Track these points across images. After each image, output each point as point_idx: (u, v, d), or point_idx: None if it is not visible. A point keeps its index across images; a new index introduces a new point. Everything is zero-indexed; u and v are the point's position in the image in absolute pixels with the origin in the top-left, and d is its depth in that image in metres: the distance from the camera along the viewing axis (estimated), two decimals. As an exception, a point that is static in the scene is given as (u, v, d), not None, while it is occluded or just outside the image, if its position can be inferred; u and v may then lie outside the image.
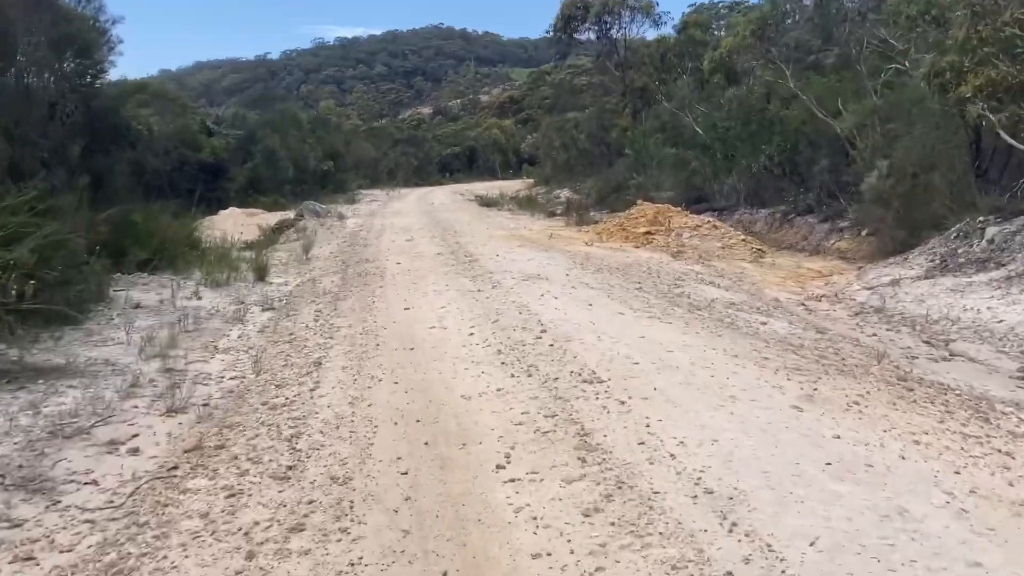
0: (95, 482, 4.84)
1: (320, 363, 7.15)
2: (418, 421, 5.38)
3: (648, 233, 15.77)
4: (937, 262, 12.06)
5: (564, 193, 28.19)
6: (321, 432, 5.30)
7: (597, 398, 5.49)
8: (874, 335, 8.75)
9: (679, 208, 16.91)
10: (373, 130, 62.85)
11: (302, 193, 32.99)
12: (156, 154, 28.97)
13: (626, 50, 29.68)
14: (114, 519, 4.24)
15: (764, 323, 8.51)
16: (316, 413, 5.70)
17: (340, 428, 5.34)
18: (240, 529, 3.97)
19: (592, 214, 20.56)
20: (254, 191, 31.12)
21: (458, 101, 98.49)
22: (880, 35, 17.52)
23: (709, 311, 8.96)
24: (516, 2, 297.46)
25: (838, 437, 4.56)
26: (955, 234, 12.48)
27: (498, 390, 5.90)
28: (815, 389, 5.55)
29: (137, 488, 4.63)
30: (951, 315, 9.51)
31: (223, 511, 4.19)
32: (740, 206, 20.79)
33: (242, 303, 10.64)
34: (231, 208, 28.07)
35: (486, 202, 28.51)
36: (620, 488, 4.04)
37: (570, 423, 5.05)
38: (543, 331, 7.58)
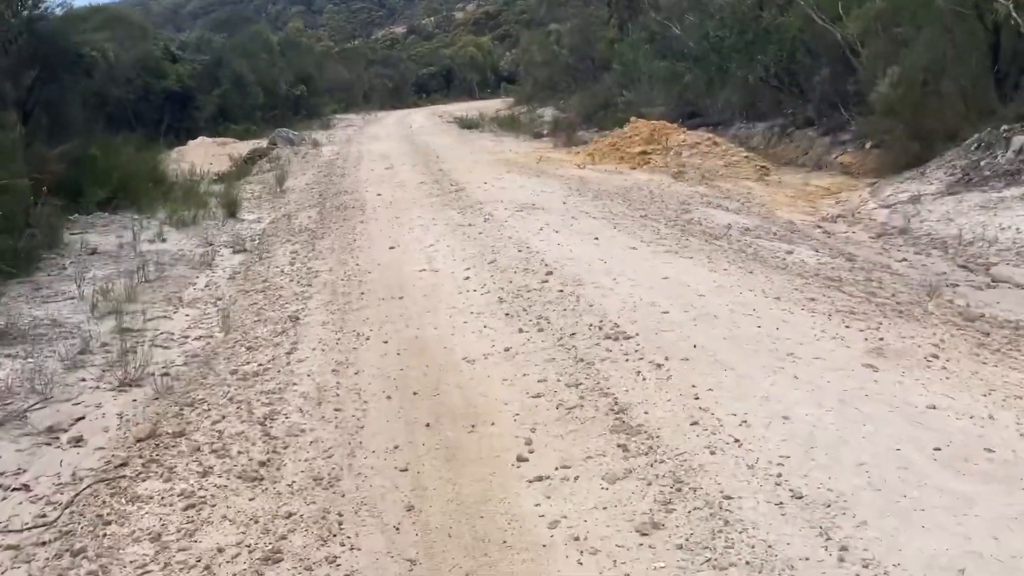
0: (26, 487, 3.95)
1: (297, 318, 6.22)
2: (415, 394, 4.50)
3: (644, 153, 14.76)
4: (959, 176, 11.14)
5: (548, 112, 26.90)
6: (300, 411, 4.42)
7: (627, 359, 4.60)
8: (904, 260, 7.91)
9: (675, 125, 15.84)
10: (346, 51, 60.47)
11: (274, 120, 31.46)
12: (118, 83, 27.45)
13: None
14: (43, 543, 3.36)
15: (789, 252, 7.62)
16: (294, 384, 4.81)
17: (323, 405, 4.46)
18: (200, 560, 3.10)
19: (580, 134, 19.42)
20: (224, 119, 29.64)
21: (432, 19, 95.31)
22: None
23: (728, 240, 8.06)
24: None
25: (933, 407, 3.69)
26: (975, 145, 11.53)
27: (506, 350, 5.01)
28: (881, 339, 4.69)
29: (76, 495, 3.74)
30: (987, 235, 8.65)
31: (179, 531, 3.32)
32: (736, 120, 19.70)
33: (211, 245, 9.66)
34: (201, 138, 26.72)
35: (467, 124, 27.22)
36: (679, 491, 3.17)
37: (600, 394, 4.17)
38: (549, 273, 6.66)
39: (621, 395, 4.12)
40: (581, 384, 4.32)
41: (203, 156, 24.67)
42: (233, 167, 19.47)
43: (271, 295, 7.02)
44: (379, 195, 12.49)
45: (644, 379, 4.29)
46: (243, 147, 25.72)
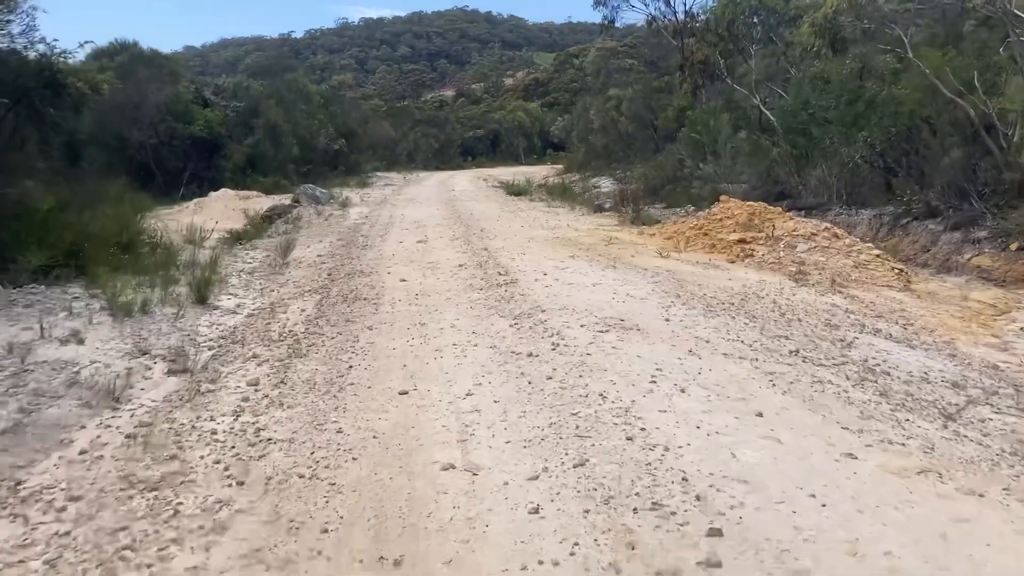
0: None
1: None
2: None
3: (743, 242, 11.35)
4: None
5: (605, 183, 23.71)
6: None
7: None
8: None
9: (778, 209, 12.47)
10: (393, 109, 58.30)
11: (308, 175, 28.68)
12: (141, 127, 24.78)
13: (687, 14, 24.84)
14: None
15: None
16: None
17: None
18: None
19: (649, 210, 16.11)
20: (253, 171, 26.81)
21: (481, 84, 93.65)
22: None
23: (973, 428, 4.55)
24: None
25: None
26: None
27: None
28: None
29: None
30: None
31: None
32: (833, 204, 16.27)
33: (144, 354, 6.35)
34: (223, 190, 23.81)
35: (514, 191, 24.10)
36: None
37: None
38: (713, 530, 3.13)
39: None
40: None
41: (221, 210, 21.76)
42: (247, 226, 16.41)
43: (156, 512, 3.61)
44: (403, 281, 9.19)
45: None
46: (267, 202, 22.81)
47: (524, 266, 9.77)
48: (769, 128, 20.78)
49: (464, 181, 32.99)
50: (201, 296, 8.41)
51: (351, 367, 5.74)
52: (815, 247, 10.93)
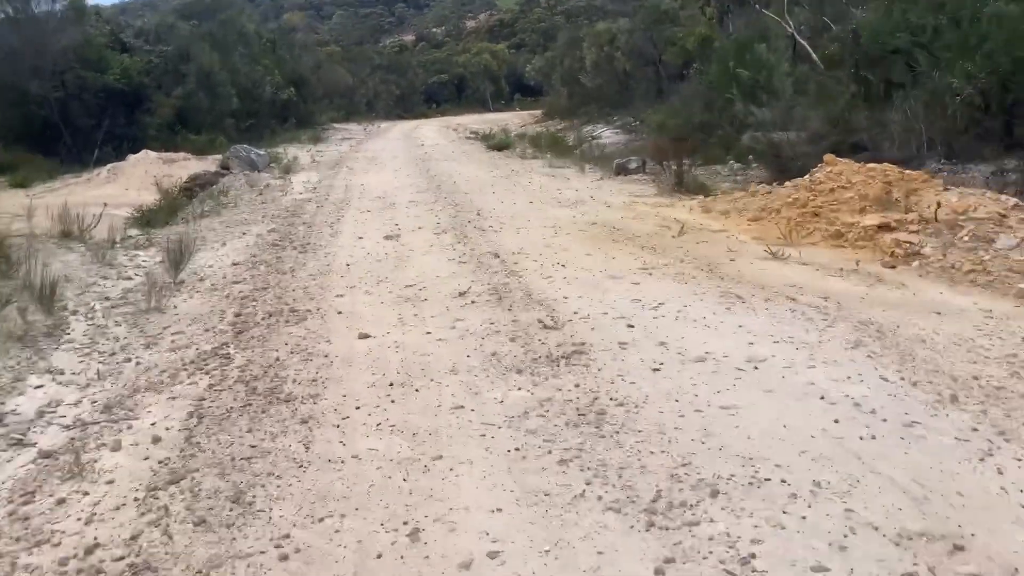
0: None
1: None
2: None
3: (886, 228, 7.18)
4: None
5: (606, 133, 19.29)
6: None
7: None
8: None
9: (920, 174, 8.30)
10: (350, 53, 52.67)
11: (251, 129, 23.85)
12: (42, 76, 19.79)
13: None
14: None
15: None
16: None
17: None
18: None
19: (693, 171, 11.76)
20: (184, 127, 21.98)
21: (442, 28, 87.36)
22: None
23: None
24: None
25: None
26: None
27: None
28: None
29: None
30: None
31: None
32: (927, 158, 12.08)
33: None
34: (144, 152, 19.07)
35: (495, 144, 19.63)
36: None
37: None
38: None
39: None
40: None
41: (140, 178, 17.14)
42: (161, 202, 11.98)
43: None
44: (364, 339, 4.90)
45: None
46: (198, 166, 18.17)
47: (576, 296, 5.49)
48: (805, 59, 16.51)
49: (432, 132, 28.30)
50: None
51: None
52: (1011, 235, 6.78)
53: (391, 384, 4.15)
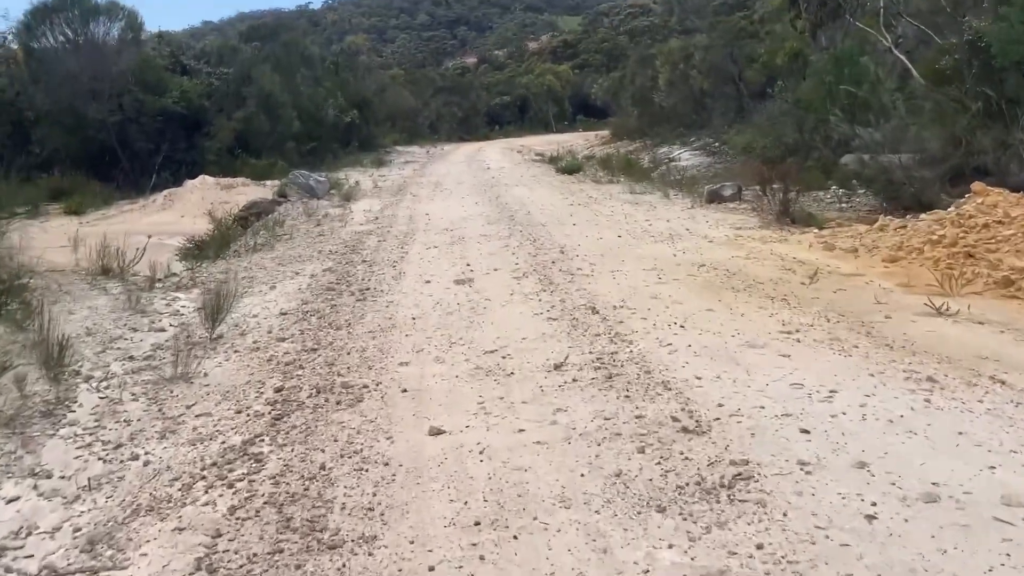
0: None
1: None
2: None
3: (1075, 276, 5.73)
4: None
5: (684, 155, 17.91)
6: None
7: None
8: None
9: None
10: (413, 76, 52.15)
11: (313, 153, 23.08)
12: (99, 99, 19.23)
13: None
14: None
15: None
16: None
17: None
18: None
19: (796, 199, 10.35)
20: (245, 151, 21.25)
21: (504, 50, 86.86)
22: None
23: None
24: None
25: None
26: None
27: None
28: None
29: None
30: None
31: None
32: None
33: None
34: (202, 177, 18.34)
35: (565, 167, 18.40)
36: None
37: None
38: None
39: None
40: None
41: (196, 204, 16.38)
42: (213, 233, 11.06)
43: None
44: (438, 435, 3.65)
45: None
46: (256, 192, 17.34)
47: (713, 377, 4.19)
48: (905, 75, 14.93)
49: (496, 154, 27.23)
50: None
51: None
52: None
53: (477, 524, 2.91)
